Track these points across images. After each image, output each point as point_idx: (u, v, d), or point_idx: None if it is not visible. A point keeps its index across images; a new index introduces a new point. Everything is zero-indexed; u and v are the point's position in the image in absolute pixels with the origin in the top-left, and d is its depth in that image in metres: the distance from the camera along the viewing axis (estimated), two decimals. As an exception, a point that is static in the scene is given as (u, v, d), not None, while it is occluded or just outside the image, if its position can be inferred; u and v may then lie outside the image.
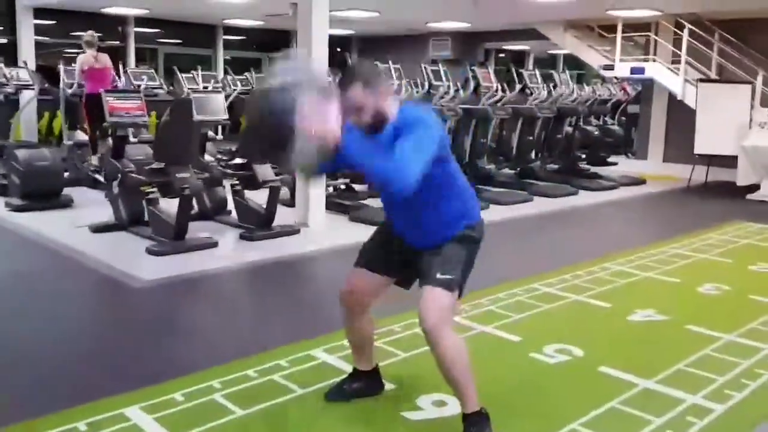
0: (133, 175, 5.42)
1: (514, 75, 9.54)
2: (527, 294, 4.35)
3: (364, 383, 2.88)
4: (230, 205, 6.33)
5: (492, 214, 6.53)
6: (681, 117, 10.46)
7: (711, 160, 9.34)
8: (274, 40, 14.07)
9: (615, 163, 10.90)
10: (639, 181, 9.82)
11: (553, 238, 6.41)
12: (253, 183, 5.90)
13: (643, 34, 10.51)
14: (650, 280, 4.86)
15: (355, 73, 2.40)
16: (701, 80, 9.56)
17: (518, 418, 2.73)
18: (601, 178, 9.59)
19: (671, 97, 10.56)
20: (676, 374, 3.16)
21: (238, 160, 6.09)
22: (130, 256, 5.13)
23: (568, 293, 4.41)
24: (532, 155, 9.43)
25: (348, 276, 2.73)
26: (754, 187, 8.91)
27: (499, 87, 9.02)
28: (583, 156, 10.27)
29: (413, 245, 2.59)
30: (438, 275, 2.44)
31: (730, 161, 9.17)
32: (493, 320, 3.85)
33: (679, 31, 10.05)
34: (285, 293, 4.50)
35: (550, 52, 18.20)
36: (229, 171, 6.03)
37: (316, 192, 6.24)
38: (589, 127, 10.36)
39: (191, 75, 10.65)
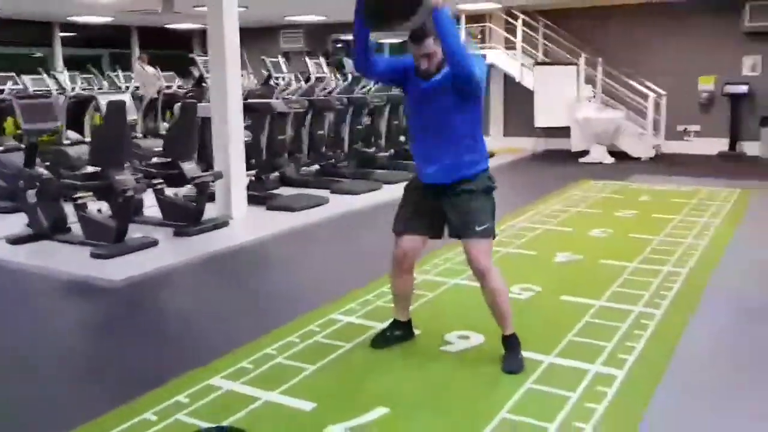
0: (67, 180, 5.37)
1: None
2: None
3: (402, 331, 3.44)
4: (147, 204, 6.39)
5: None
6: (516, 96, 11.91)
7: (548, 131, 10.83)
8: (114, 37, 13.50)
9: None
10: (489, 154, 11.07)
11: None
12: (180, 180, 6.05)
13: (481, 24, 11.77)
14: (551, 233, 5.85)
15: (427, 29, 2.92)
16: (537, 63, 11.00)
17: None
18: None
19: (506, 79, 11.95)
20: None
21: (159, 159, 6.17)
22: (81, 261, 5.12)
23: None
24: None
25: (397, 242, 3.26)
26: (585, 153, 10.52)
27: (333, 77, 9.43)
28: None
29: (439, 184, 3.11)
30: (477, 228, 3.08)
31: (564, 132, 10.71)
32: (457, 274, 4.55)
33: (511, 20, 11.42)
34: (250, 284, 4.85)
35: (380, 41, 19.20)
36: (152, 170, 6.10)
37: (237, 185, 6.52)
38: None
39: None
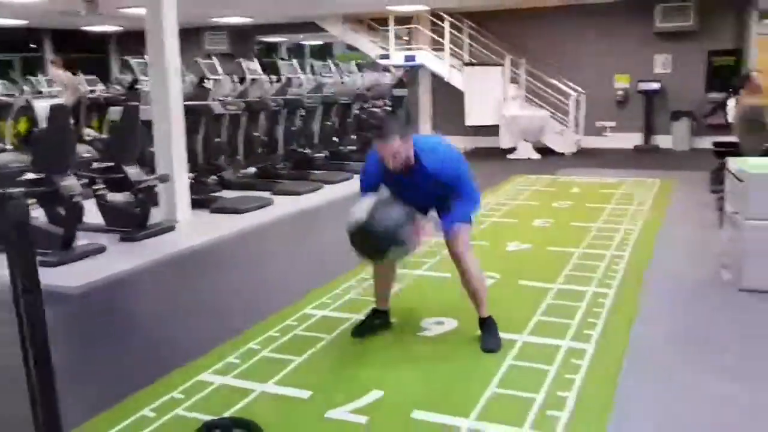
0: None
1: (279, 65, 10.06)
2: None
3: (382, 320, 3.55)
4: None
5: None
6: (445, 96, 12.23)
7: (478, 130, 11.18)
8: (25, 41, 12.89)
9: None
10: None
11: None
12: (125, 185, 5.92)
13: (408, 26, 12.01)
14: (498, 224, 6.10)
15: (393, 127, 3.07)
16: (466, 64, 11.33)
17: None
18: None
19: (434, 78, 12.25)
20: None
21: (101, 164, 6.02)
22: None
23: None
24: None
25: None
26: (513, 150, 10.93)
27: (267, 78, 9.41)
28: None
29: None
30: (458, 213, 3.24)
31: (492, 130, 11.08)
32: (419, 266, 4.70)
33: (439, 22, 11.71)
34: (213, 285, 4.83)
35: (303, 42, 19.25)
36: (94, 175, 5.95)
37: (180, 188, 6.43)
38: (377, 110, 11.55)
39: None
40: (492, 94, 10.97)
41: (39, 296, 1.78)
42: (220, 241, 5.89)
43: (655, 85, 11.36)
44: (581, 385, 2.92)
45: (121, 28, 14.12)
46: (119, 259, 5.27)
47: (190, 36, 13.89)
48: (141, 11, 10.68)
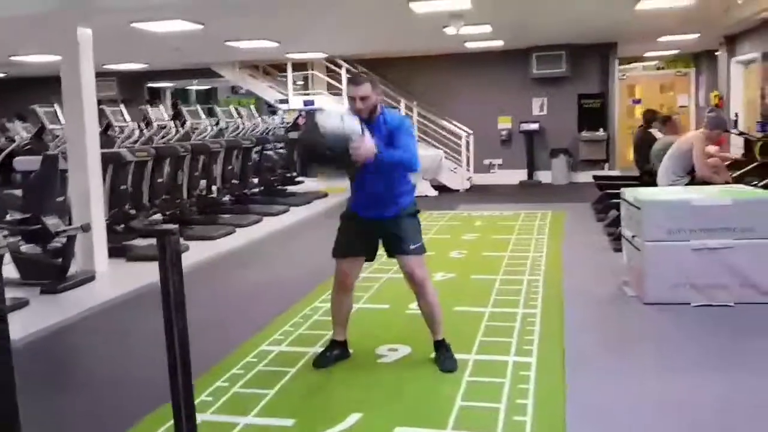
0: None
1: (184, 111, 10.16)
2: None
3: (340, 350, 3.77)
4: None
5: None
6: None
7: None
8: None
9: (302, 182, 12.49)
10: (322, 195, 11.61)
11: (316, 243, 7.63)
12: (43, 236, 5.76)
13: (304, 72, 12.38)
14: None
15: (367, 79, 3.42)
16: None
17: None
18: (295, 196, 11.12)
19: (330, 122, 12.63)
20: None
21: (18, 215, 5.84)
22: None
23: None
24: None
25: (338, 264, 3.62)
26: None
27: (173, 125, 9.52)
28: (273, 178, 11.62)
29: (377, 218, 3.56)
30: (411, 246, 3.56)
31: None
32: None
33: (335, 68, 12.17)
34: (154, 333, 4.84)
35: (188, 87, 19.13)
36: (9, 227, 5.75)
37: (99, 238, 6.33)
38: (270, 153, 11.77)
39: None
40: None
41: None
42: (144, 290, 5.83)
43: (535, 126, 12.39)
44: (535, 391, 3.29)
45: (4, 74, 13.52)
46: (46, 312, 5.12)
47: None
48: (30, 59, 10.43)
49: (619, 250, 6.13)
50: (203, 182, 9.55)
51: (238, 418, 3.11)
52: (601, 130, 12.19)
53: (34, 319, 4.90)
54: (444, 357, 3.64)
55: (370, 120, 3.44)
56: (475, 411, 3.12)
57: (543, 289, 5.16)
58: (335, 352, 3.76)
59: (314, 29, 8.88)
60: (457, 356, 3.70)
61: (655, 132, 7.63)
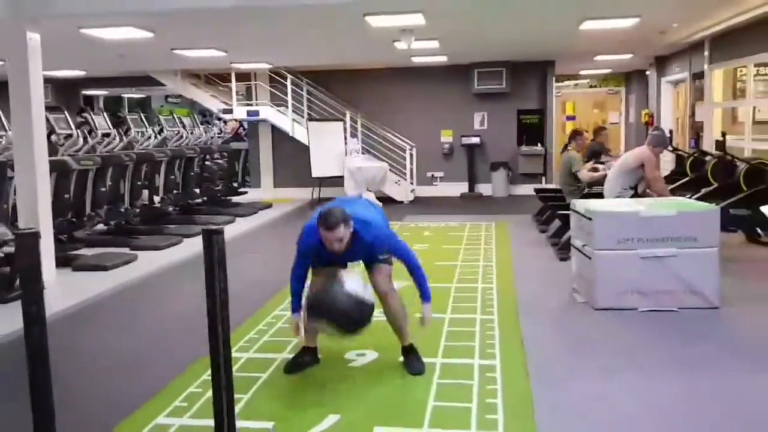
0: None
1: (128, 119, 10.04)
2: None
3: (311, 356, 3.84)
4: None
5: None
6: (285, 149, 12.66)
7: (322, 181, 11.71)
8: None
9: (246, 192, 12.41)
10: (267, 205, 11.58)
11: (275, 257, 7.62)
12: (-10, 244, 5.58)
13: (248, 83, 12.33)
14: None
15: (338, 218, 3.40)
16: (311, 119, 11.87)
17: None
18: (239, 206, 11.05)
19: (274, 132, 12.64)
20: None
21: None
22: None
23: None
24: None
25: (312, 277, 3.68)
26: (356, 199, 11.57)
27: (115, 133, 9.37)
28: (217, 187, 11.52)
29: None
30: (380, 257, 3.66)
31: (336, 181, 11.68)
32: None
33: (280, 79, 12.18)
34: (115, 345, 4.76)
35: (122, 95, 18.68)
36: (-47, 235, 5.54)
37: (47, 247, 6.16)
38: (208, 163, 11.67)
39: None
40: (335, 147, 11.61)
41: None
42: (96, 300, 5.72)
43: (476, 140, 12.73)
44: (503, 390, 3.44)
45: None
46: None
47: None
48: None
49: (564, 259, 6.45)
50: (145, 192, 9.45)
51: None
52: (539, 144, 12.64)
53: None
54: (412, 361, 3.76)
55: (345, 249, 3.51)
56: (448, 411, 3.24)
57: (497, 295, 5.35)
58: (306, 358, 3.82)
59: (263, 40, 8.91)
60: (426, 360, 3.82)
61: (571, 150, 8.01)
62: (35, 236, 1.93)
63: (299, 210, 11.19)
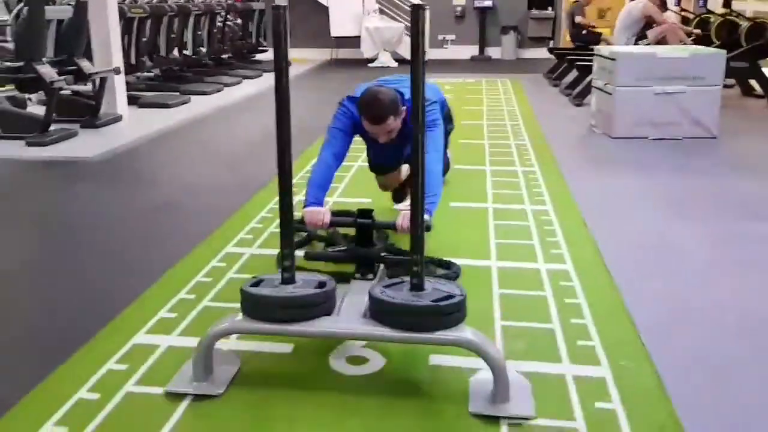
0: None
1: None
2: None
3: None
4: None
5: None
6: (303, 9, 13.01)
7: (339, 41, 12.22)
8: None
9: (266, 50, 12.85)
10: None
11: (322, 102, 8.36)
12: (80, 76, 6.26)
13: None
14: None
15: (386, 109, 2.85)
16: (331, -22, 12.17)
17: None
18: (263, 63, 11.61)
19: (292, -7, 12.92)
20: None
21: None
22: (24, 149, 5.34)
23: None
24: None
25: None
26: (373, 59, 12.16)
27: None
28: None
29: None
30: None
31: (352, 41, 12.18)
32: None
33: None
34: (205, 158, 5.60)
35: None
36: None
37: (120, 83, 6.85)
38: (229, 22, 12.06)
39: None
40: (354, 7, 12.02)
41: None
42: (165, 131, 6.40)
43: (488, 3, 13.14)
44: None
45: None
46: (94, 140, 5.80)
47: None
48: None
49: (579, 105, 7.31)
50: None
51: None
52: (549, 8, 13.11)
53: (88, 143, 5.59)
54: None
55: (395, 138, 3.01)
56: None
57: (525, 131, 6.20)
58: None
59: None
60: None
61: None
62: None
63: (320, 69, 11.78)
